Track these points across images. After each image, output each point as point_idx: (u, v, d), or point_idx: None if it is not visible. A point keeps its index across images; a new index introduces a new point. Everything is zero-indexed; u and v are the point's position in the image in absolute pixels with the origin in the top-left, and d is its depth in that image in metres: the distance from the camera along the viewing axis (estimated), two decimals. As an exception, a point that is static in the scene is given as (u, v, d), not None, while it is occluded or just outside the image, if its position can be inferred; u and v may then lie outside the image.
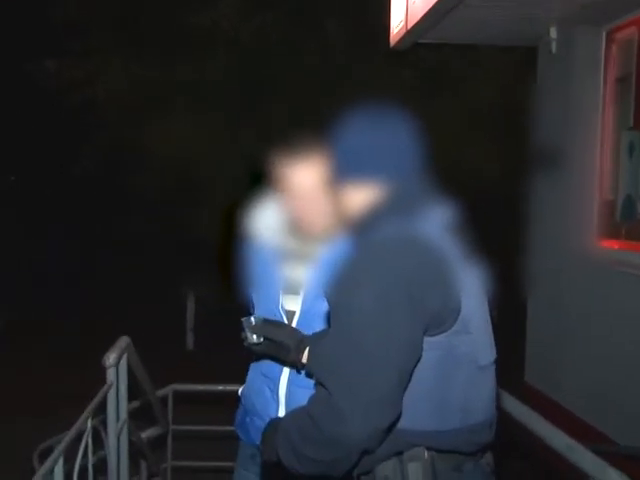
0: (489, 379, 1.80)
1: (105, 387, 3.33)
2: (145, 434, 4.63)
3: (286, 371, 2.32)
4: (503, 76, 8.06)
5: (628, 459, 3.66)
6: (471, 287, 1.71)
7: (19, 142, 12.44)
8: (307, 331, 2.21)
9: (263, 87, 8.80)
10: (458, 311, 1.65)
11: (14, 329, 10.29)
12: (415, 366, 1.62)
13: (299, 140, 2.25)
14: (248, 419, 2.47)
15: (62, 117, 10.61)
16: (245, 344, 2.14)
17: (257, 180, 2.45)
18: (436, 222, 1.72)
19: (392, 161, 1.77)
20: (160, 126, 8.86)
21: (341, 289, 1.66)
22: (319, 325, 2.22)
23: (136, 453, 4.39)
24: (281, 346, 2.10)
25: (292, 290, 2.33)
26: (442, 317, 1.63)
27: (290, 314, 2.32)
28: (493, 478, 1.86)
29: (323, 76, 8.57)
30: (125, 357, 3.66)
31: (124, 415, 3.72)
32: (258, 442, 2.35)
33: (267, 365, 2.36)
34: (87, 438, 2.98)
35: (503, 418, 2.78)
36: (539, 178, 5.24)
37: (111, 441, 3.46)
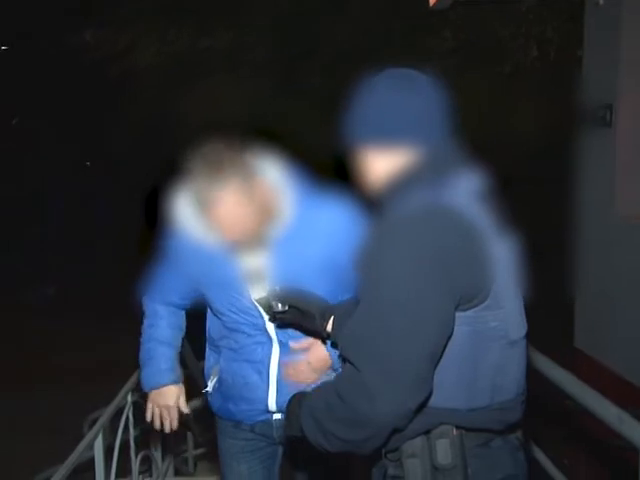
0: (520, 354, 1.72)
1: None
2: (190, 405, 4.64)
3: (275, 352, 2.28)
4: (546, 32, 7.80)
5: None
6: (503, 259, 1.62)
7: (61, 115, 12.51)
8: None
9: (301, 56, 8.67)
10: (490, 285, 1.58)
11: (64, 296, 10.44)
12: (446, 342, 1.55)
13: (217, 154, 2.03)
14: (232, 405, 2.39)
15: (102, 89, 10.61)
16: (269, 314, 2.09)
17: (174, 168, 2.18)
18: (467, 191, 1.64)
19: (421, 125, 1.67)
20: (200, 95, 8.79)
21: (371, 263, 1.58)
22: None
23: (181, 424, 4.40)
24: (306, 314, 2.03)
25: (254, 280, 2.23)
26: (474, 292, 1.57)
27: None
28: (522, 452, 1.79)
29: (360, 41, 8.40)
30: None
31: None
32: (246, 421, 2.39)
33: (249, 351, 2.30)
34: (128, 412, 2.99)
35: (550, 387, 2.71)
36: (587, 138, 5.06)
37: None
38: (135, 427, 3.16)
